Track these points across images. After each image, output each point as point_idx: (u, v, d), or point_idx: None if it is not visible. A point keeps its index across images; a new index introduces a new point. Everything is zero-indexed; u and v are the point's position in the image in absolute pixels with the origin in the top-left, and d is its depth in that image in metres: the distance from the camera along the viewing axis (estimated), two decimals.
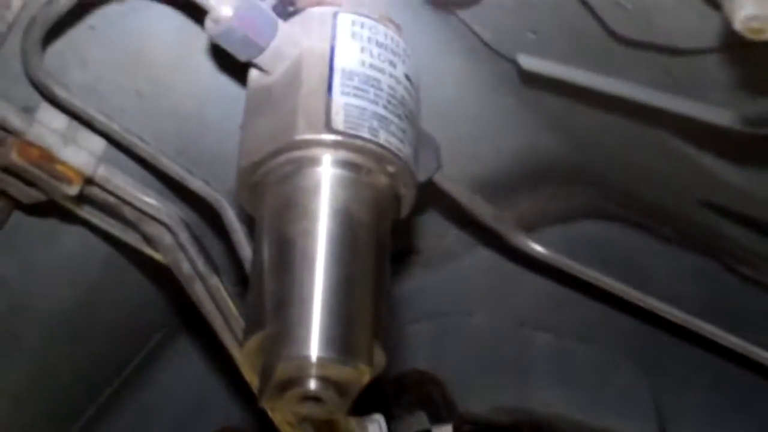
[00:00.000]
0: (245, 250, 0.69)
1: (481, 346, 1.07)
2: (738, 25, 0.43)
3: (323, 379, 0.51)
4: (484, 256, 1.05)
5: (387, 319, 0.57)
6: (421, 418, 1.08)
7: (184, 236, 0.64)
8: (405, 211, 0.66)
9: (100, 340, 0.95)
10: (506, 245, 0.90)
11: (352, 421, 0.77)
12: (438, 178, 0.79)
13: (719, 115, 0.66)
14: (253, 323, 0.54)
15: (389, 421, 1.09)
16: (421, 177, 0.71)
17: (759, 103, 0.65)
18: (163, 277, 0.88)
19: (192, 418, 1.09)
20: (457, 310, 1.08)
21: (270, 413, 0.76)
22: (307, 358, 0.50)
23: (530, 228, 0.97)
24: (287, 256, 0.54)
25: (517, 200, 1.01)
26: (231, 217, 0.69)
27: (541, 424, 1.05)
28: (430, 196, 0.85)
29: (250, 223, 0.65)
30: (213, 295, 0.67)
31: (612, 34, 0.62)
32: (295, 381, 0.51)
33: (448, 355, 1.08)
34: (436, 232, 1.05)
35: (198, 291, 0.67)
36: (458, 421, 1.04)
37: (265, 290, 0.54)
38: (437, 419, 1.06)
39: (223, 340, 0.70)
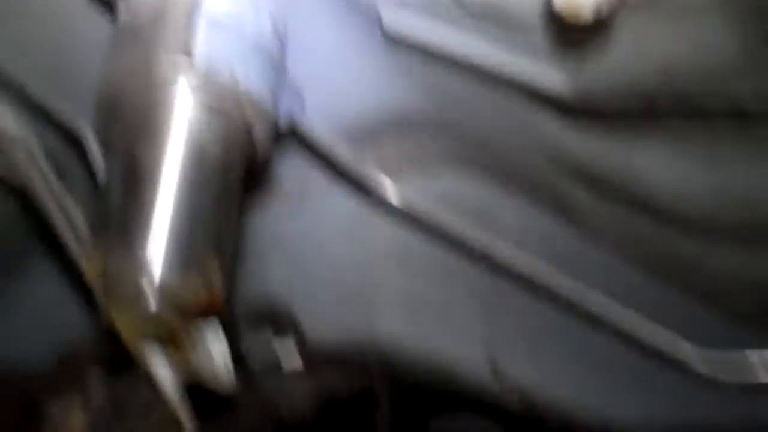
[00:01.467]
0: (100, 167, 0.70)
1: (334, 279, 1.10)
2: (557, 6, 0.48)
3: (164, 300, 0.55)
4: (344, 195, 1.09)
5: (230, 246, 0.61)
6: (271, 345, 1.11)
7: (38, 155, 0.65)
8: (262, 150, 0.69)
9: None
10: (365, 188, 0.93)
11: (195, 336, 0.80)
12: (300, 121, 0.82)
13: (553, 82, 0.70)
14: (98, 243, 0.57)
15: (238, 351, 1.13)
16: (282, 120, 0.74)
17: (585, 72, 0.70)
18: (18, 196, 0.89)
19: (42, 337, 1.10)
20: (314, 245, 1.11)
21: (116, 329, 0.79)
22: (148, 278, 0.54)
23: (390, 174, 1.02)
24: (134, 179, 0.56)
25: (379, 146, 1.05)
26: (92, 145, 0.71)
27: (384, 354, 1.10)
28: (292, 137, 0.89)
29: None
30: (66, 214, 0.68)
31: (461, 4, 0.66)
32: (136, 301, 0.55)
33: (302, 286, 1.10)
34: (296, 172, 1.09)
35: (51, 209, 0.68)
36: (306, 350, 1.08)
37: (111, 207, 0.57)
38: (287, 348, 1.09)
39: (74, 258, 0.72)
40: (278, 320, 1.11)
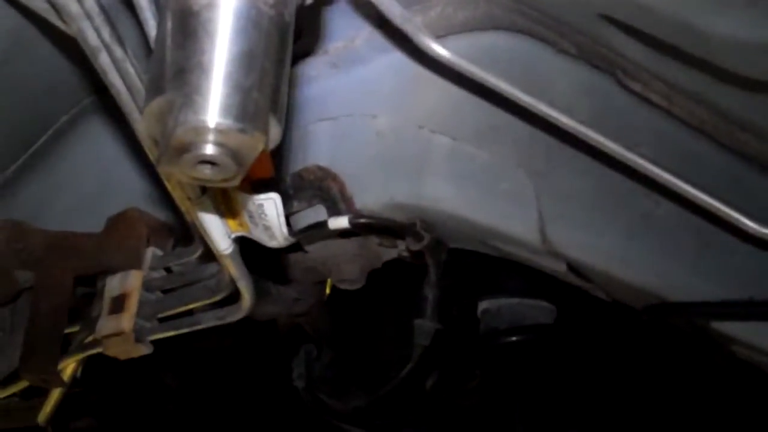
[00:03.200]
0: (153, 29, 0.70)
1: (381, 147, 1.09)
2: None
3: (219, 145, 0.54)
4: (391, 60, 1.07)
5: (284, 95, 0.60)
6: (319, 211, 1.12)
7: (89, 4, 0.64)
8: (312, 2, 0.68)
9: (4, 113, 0.95)
10: (413, 48, 0.92)
11: (248, 198, 0.80)
12: None
13: None
14: (154, 89, 0.56)
15: (288, 215, 1.14)
16: None
17: None
18: (74, 53, 0.89)
19: (96, 199, 1.11)
20: (361, 112, 1.11)
21: (170, 188, 0.79)
22: (204, 122, 0.53)
23: (437, 35, 0.99)
24: (190, 27, 0.56)
25: (426, 6, 1.03)
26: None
27: (432, 221, 1.10)
28: None
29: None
30: (118, 67, 0.67)
31: None
32: (192, 145, 0.54)
33: (349, 153, 1.10)
34: (345, 33, 1.07)
35: (103, 62, 0.67)
36: (354, 216, 1.08)
37: (167, 59, 0.56)
38: (335, 213, 1.10)
39: (126, 113, 0.72)
40: (328, 191, 1.11)
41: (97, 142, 1.07)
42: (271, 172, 0.88)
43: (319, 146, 1.13)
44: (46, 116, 1.03)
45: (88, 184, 1.11)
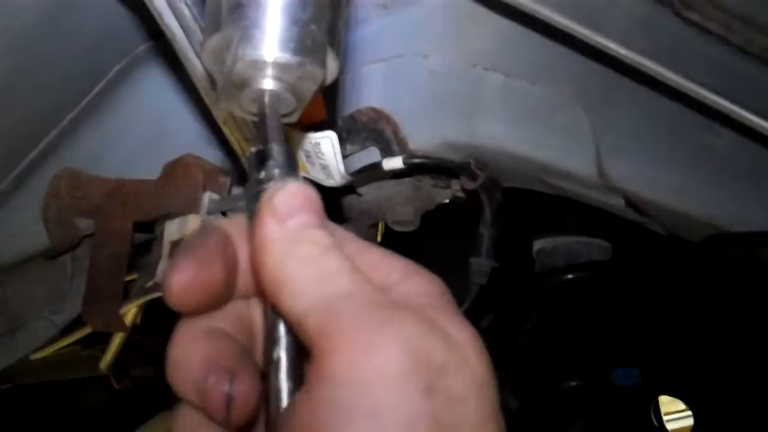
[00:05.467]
0: None
1: (434, 86, 1.08)
2: None
3: (278, 79, 0.54)
4: None
5: (342, 29, 0.60)
6: (372, 153, 1.11)
7: None
8: None
9: (60, 62, 0.95)
10: None
11: (305, 137, 0.80)
12: None
13: None
14: (211, 26, 0.56)
15: (342, 158, 1.13)
16: None
17: None
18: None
19: (151, 147, 1.11)
20: (412, 52, 1.09)
21: (226, 131, 0.79)
22: (262, 56, 0.53)
23: None
24: None
25: None
26: None
27: (486, 160, 1.09)
28: None
29: None
30: (173, 8, 0.67)
31: None
32: (250, 80, 0.54)
33: (401, 94, 1.09)
34: None
35: (158, 4, 0.67)
36: (408, 156, 1.07)
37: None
38: (388, 154, 1.09)
39: (181, 56, 0.71)
40: (381, 133, 1.10)
41: (150, 91, 1.07)
42: (324, 115, 0.88)
43: (371, 88, 1.12)
44: (100, 66, 1.03)
45: (143, 132, 1.11)
